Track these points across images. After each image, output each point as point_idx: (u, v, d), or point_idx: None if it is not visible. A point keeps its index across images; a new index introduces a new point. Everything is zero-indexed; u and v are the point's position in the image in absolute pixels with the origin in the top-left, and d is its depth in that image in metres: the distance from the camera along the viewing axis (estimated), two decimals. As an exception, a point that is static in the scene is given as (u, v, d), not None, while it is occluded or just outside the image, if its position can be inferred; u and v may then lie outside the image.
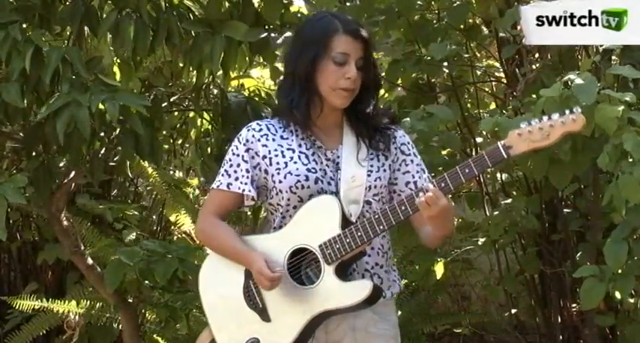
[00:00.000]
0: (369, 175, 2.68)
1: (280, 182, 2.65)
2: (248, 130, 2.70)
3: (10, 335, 4.91)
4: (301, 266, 2.64)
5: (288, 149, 2.68)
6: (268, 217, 2.79)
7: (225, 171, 2.71)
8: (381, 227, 2.57)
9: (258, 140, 2.68)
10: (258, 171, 2.68)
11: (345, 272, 2.63)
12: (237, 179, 2.69)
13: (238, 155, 2.69)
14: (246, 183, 2.68)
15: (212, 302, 2.77)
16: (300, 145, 2.68)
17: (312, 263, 2.63)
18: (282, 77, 2.78)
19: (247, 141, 2.69)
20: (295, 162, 2.66)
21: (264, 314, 2.66)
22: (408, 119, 3.54)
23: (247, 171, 2.68)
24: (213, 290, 2.77)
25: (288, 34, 3.71)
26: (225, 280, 2.72)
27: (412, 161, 2.75)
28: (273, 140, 2.69)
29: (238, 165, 2.69)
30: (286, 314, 2.63)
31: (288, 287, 2.62)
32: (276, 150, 2.67)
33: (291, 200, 2.65)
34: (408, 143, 2.77)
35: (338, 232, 2.59)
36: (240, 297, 2.69)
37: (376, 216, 2.57)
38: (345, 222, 2.60)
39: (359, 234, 2.57)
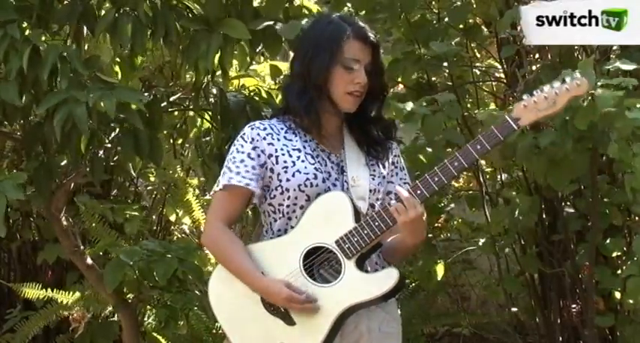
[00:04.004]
0: (372, 178, 2.70)
1: (288, 180, 2.64)
2: (252, 129, 2.69)
3: (10, 332, 4.92)
4: (313, 268, 2.62)
5: (294, 149, 2.67)
6: (264, 221, 2.75)
7: (228, 168, 2.67)
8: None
9: (264, 138, 2.67)
10: (264, 169, 2.66)
11: (364, 265, 2.62)
12: (238, 173, 2.65)
13: (243, 152, 2.66)
14: (251, 179, 2.65)
15: (229, 314, 2.71)
16: (304, 147, 2.69)
17: (325, 263, 2.61)
18: (288, 77, 2.78)
19: (253, 139, 2.67)
20: (303, 161, 2.65)
21: (287, 319, 2.62)
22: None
23: (253, 167, 2.65)
24: (227, 302, 2.71)
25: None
26: (239, 290, 2.66)
27: (397, 174, 2.79)
28: (278, 139, 2.68)
29: (242, 161, 2.66)
30: (311, 315, 2.59)
31: (308, 288, 2.59)
32: (282, 149, 2.67)
33: (299, 199, 2.63)
34: (398, 156, 2.82)
35: (353, 225, 2.58)
36: (259, 305, 2.65)
37: (390, 205, 2.56)
38: (358, 215, 2.60)
39: (376, 223, 2.56)
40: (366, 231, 2.57)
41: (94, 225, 4.79)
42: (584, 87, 2.48)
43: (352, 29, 2.65)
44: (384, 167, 2.75)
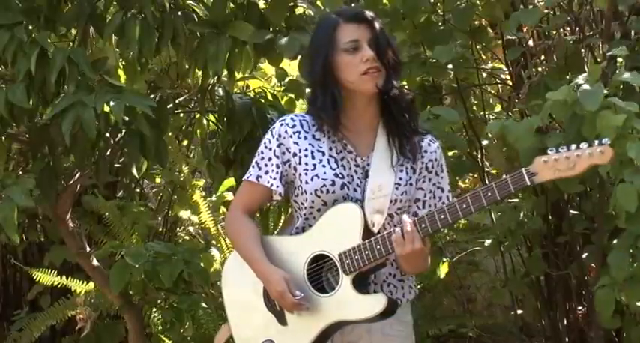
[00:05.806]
0: (396, 188, 2.65)
1: (307, 183, 2.64)
2: (281, 125, 2.69)
3: (17, 331, 4.93)
4: (322, 270, 2.63)
5: (318, 151, 2.66)
6: (293, 214, 2.78)
7: (256, 162, 2.70)
8: None
9: (290, 136, 2.66)
10: (287, 167, 2.67)
11: (363, 282, 2.62)
12: (266, 173, 2.68)
13: (270, 149, 2.68)
14: (274, 178, 2.67)
15: (232, 298, 2.79)
16: (330, 148, 2.67)
17: (333, 268, 2.62)
18: (308, 91, 2.80)
19: (280, 136, 2.67)
20: (324, 166, 2.64)
21: (280, 318, 2.66)
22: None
23: (277, 166, 2.67)
24: (234, 287, 2.79)
25: (294, 35, 3.69)
26: (247, 279, 2.71)
27: (430, 179, 2.71)
28: (305, 138, 2.67)
29: (269, 159, 2.68)
30: (302, 320, 2.62)
31: (305, 292, 2.61)
32: (306, 149, 2.66)
33: (315, 203, 2.64)
34: (436, 160, 2.73)
35: (358, 243, 2.57)
36: (260, 298, 2.69)
37: (394, 232, 2.55)
38: (367, 232, 2.59)
39: (378, 247, 2.56)
40: (367, 252, 2.56)
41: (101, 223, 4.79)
42: (607, 155, 2.39)
43: (341, 16, 2.64)
44: (414, 171, 2.69)
